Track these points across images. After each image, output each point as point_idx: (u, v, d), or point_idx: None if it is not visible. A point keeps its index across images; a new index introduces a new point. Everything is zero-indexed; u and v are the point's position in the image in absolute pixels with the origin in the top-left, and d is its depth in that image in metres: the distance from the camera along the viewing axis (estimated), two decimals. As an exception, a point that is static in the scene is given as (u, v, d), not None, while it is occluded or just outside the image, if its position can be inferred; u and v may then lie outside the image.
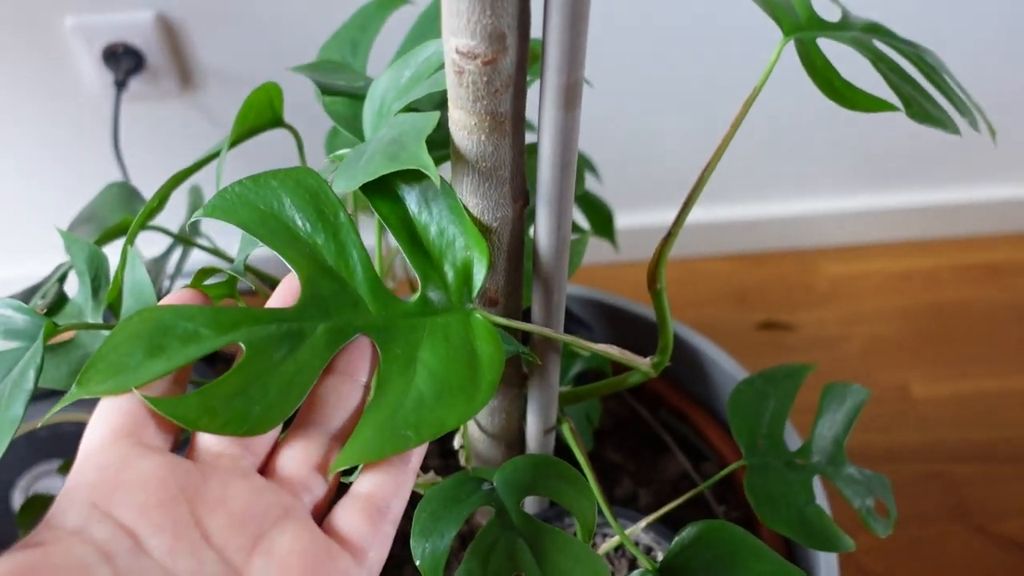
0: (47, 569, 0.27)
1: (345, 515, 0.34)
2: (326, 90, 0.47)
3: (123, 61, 0.94)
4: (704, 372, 0.71)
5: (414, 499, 0.37)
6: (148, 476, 0.31)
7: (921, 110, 0.39)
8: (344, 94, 0.47)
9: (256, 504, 0.32)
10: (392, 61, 0.58)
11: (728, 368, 0.68)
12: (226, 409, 0.31)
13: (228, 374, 0.32)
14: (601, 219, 0.67)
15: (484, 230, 0.37)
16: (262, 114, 0.48)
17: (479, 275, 0.36)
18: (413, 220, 0.36)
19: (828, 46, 0.42)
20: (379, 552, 0.33)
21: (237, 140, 0.49)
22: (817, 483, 0.53)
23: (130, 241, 0.49)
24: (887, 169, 1.19)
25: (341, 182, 0.35)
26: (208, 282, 0.41)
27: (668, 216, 1.21)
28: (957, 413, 1.08)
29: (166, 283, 0.82)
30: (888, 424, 1.07)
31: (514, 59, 0.32)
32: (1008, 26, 1.02)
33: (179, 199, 0.95)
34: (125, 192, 0.59)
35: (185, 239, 0.61)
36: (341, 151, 0.39)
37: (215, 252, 0.65)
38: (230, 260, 0.66)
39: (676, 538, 0.40)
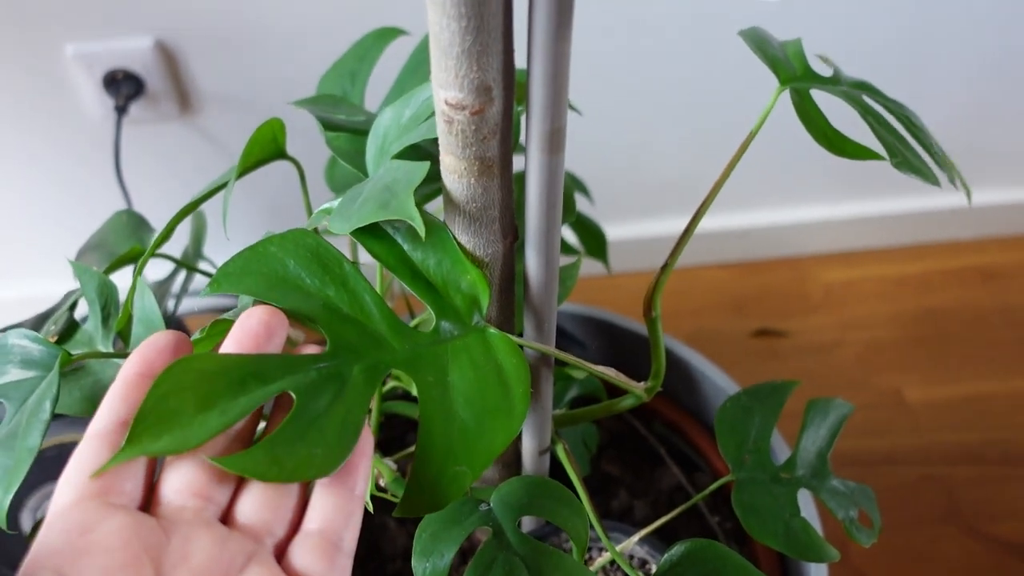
0: None
1: (301, 554, 0.34)
2: (328, 125, 0.49)
3: (123, 87, 0.96)
4: (696, 385, 0.72)
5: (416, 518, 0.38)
6: (111, 539, 0.31)
7: (904, 159, 0.42)
8: (346, 130, 0.49)
9: (220, 554, 0.32)
10: (389, 93, 0.61)
11: (719, 382, 0.70)
12: (291, 457, 0.32)
13: (285, 424, 0.33)
14: (594, 241, 0.68)
15: (476, 264, 0.39)
16: (266, 148, 0.50)
17: (484, 297, 0.38)
18: (409, 257, 0.38)
19: (819, 98, 0.45)
20: None
21: (243, 172, 0.51)
22: (806, 495, 0.55)
23: (139, 272, 0.51)
24: (878, 176, 1.21)
25: (337, 225, 0.37)
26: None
27: (660, 227, 1.23)
28: (951, 416, 1.10)
29: (170, 304, 0.84)
30: (883, 428, 1.09)
31: (500, 108, 0.34)
32: (999, 25, 1.04)
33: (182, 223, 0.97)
34: (133, 221, 0.60)
35: (188, 265, 0.63)
36: (327, 205, 0.41)
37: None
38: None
39: (665, 555, 0.42)
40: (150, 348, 0.35)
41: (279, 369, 0.34)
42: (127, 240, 0.59)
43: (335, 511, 0.35)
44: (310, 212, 0.55)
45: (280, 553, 0.35)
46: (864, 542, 0.48)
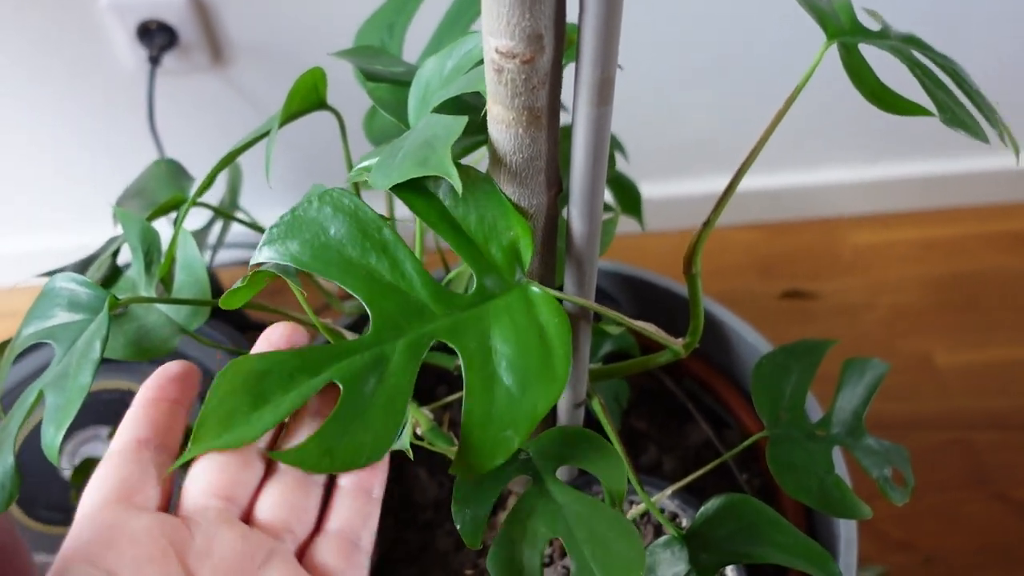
0: None
1: (321, 552, 0.37)
2: (369, 76, 0.49)
3: (157, 37, 0.96)
4: (727, 343, 0.72)
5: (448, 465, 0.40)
6: (139, 534, 0.33)
7: (954, 115, 0.41)
8: (387, 80, 0.49)
9: (242, 550, 0.35)
10: (428, 45, 0.60)
11: (750, 339, 0.70)
12: (341, 448, 0.35)
13: (333, 415, 0.35)
14: (629, 198, 0.68)
15: (521, 215, 0.39)
16: (307, 98, 0.50)
17: (527, 252, 0.38)
18: (451, 213, 0.38)
19: (866, 52, 0.44)
20: None
21: (285, 122, 0.51)
22: (837, 453, 0.55)
23: (181, 219, 0.51)
24: (911, 137, 1.19)
25: (377, 180, 0.37)
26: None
27: (691, 186, 1.22)
28: (978, 381, 1.09)
29: (206, 255, 0.85)
30: (910, 392, 1.09)
31: (551, 57, 0.33)
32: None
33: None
34: (172, 169, 0.61)
35: (225, 213, 0.63)
36: (366, 162, 0.41)
37: (252, 226, 0.67)
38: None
39: (701, 509, 0.42)
40: (163, 376, 0.39)
41: (324, 359, 0.35)
42: (167, 188, 0.60)
43: (353, 513, 0.38)
44: (350, 164, 0.55)
45: (301, 552, 0.37)
46: (897, 500, 0.48)
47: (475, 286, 0.38)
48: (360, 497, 0.39)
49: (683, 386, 0.74)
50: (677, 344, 0.47)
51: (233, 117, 1.05)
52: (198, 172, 1.05)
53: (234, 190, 0.73)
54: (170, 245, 0.52)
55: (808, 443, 0.49)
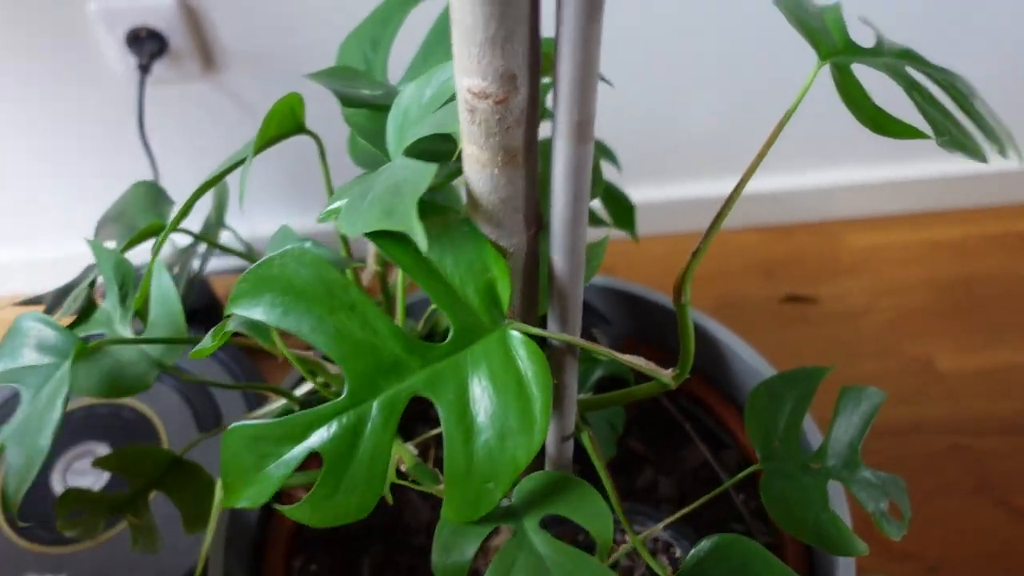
0: None
1: None
2: (347, 101, 0.47)
3: (146, 45, 0.94)
4: (723, 360, 0.71)
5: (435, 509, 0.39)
6: None
7: (952, 138, 0.39)
8: (366, 105, 0.47)
9: None
10: (412, 62, 0.59)
11: (746, 357, 0.68)
12: (331, 508, 0.35)
13: (319, 482, 0.35)
14: (622, 211, 0.67)
15: (499, 255, 0.38)
16: (284, 123, 0.49)
17: (504, 293, 0.37)
18: (426, 257, 0.37)
19: (859, 68, 0.43)
20: None
21: (261, 148, 0.50)
22: (835, 483, 0.54)
23: (156, 253, 0.50)
24: (911, 139, 1.17)
25: (345, 225, 0.36)
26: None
27: (684, 191, 1.21)
28: (982, 385, 1.08)
29: (195, 264, 0.83)
30: (913, 397, 1.07)
31: (526, 96, 0.32)
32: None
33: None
34: (152, 193, 0.59)
35: (206, 239, 0.62)
36: (334, 205, 0.39)
37: (239, 253, 0.66)
38: (252, 258, 0.67)
39: (692, 550, 0.41)
40: None
41: (304, 427, 0.35)
42: (146, 213, 0.58)
43: None
44: (330, 191, 0.54)
45: None
46: (894, 535, 0.47)
47: (452, 333, 0.37)
48: None
49: (680, 406, 0.73)
50: (667, 376, 0.45)
51: (225, 125, 1.04)
52: (189, 182, 1.04)
53: (220, 209, 0.72)
54: (145, 277, 0.51)
55: (803, 476, 0.47)
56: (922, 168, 1.22)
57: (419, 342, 0.36)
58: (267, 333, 0.37)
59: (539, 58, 0.32)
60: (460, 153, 0.37)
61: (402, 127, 0.44)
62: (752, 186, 1.20)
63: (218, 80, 1.00)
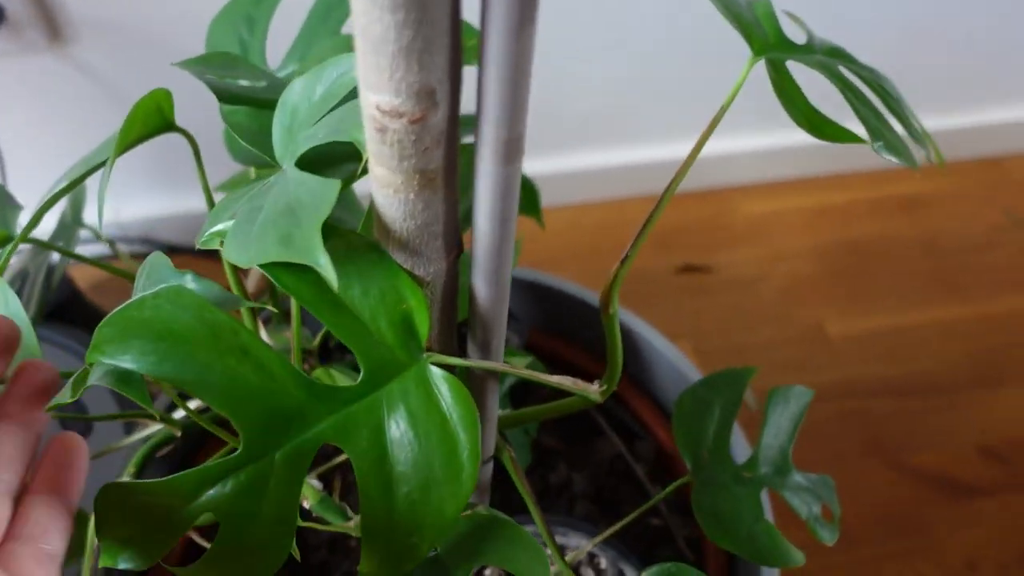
0: None
1: (16, 559, 0.33)
2: (225, 96, 0.41)
3: (-21, 14, 0.84)
4: (636, 351, 0.69)
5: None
6: None
7: (887, 142, 0.37)
8: (245, 100, 0.42)
9: None
10: (293, 46, 0.53)
11: (658, 345, 0.66)
12: (232, 571, 0.31)
13: (217, 542, 0.31)
14: (528, 198, 0.63)
15: (416, 284, 0.33)
16: (150, 122, 0.42)
17: (422, 325, 0.32)
18: (329, 287, 0.32)
19: (792, 67, 0.40)
20: None
21: (123, 151, 0.43)
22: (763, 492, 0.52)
23: (2, 269, 0.43)
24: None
25: (233, 253, 0.31)
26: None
27: (585, 160, 1.17)
28: (871, 349, 1.10)
29: (55, 257, 0.75)
30: (805, 364, 1.09)
31: (445, 113, 0.27)
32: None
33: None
34: (-6, 197, 0.52)
35: (61, 250, 0.54)
36: (218, 227, 0.34)
37: (100, 264, 0.58)
38: (117, 254, 0.60)
39: (631, 585, 0.38)
40: None
41: (194, 487, 0.30)
42: (-11, 221, 0.51)
43: (48, 520, 0.35)
44: (208, 195, 0.48)
45: None
46: (828, 540, 0.46)
47: (363, 372, 0.32)
48: (55, 504, 0.35)
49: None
50: (595, 392, 0.42)
51: (77, 100, 0.94)
52: (35, 168, 0.94)
53: (77, 205, 0.64)
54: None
55: (735, 487, 0.45)
56: (805, 134, 1.22)
57: (324, 385, 0.32)
58: (139, 387, 0.32)
59: (460, 69, 0.27)
60: (365, 164, 0.32)
61: (290, 129, 0.38)
62: (643, 155, 1.18)
63: (67, 53, 0.90)
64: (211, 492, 0.30)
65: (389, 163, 0.28)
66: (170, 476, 0.31)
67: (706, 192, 1.25)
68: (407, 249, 0.32)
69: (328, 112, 0.36)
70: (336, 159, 0.38)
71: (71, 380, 0.33)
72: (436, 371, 0.33)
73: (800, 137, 1.21)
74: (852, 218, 1.24)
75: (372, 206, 0.31)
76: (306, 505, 0.44)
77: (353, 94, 0.37)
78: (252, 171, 0.60)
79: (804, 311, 1.14)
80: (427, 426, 0.32)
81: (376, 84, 0.26)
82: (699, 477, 0.46)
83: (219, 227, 0.34)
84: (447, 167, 0.29)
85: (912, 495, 0.98)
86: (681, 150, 1.19)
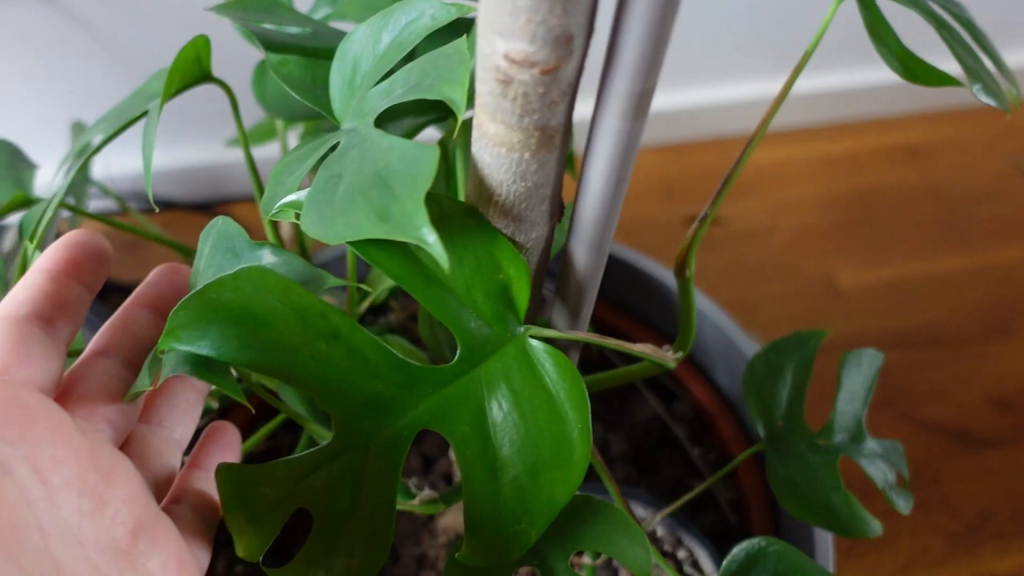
0: None
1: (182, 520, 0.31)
2: (271, 45, 0.38)
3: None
4: (671, 307, 0.66)
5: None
6: (54, 421, 0.26)
7: (985, 85, 0.35)
8: (293, 50, 0.38)
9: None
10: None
11: (697, 303, 0.64)
12: (329, 572, 0.28)
13: (311, 540, 0.28)
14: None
15: (517, 251, 0.30)
16: (188, 73, 0.39)
17: (522, 296, 0.30)
18: (420, 259, 0.29)
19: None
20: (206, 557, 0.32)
21: (167, 100, 0.40)
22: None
23: (34, 242, 0.39)
24: (800, 52, 1.15)
25: (314, 227, 0.27)
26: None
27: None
28: (880, 301, 1.09)
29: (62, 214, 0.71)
30: (815, 317, 1.08)
31: (578, 63, 0.24)
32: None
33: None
34: (5, 154, 0.48)
35: (77, 210, 0.50)
36: (291, 198, 0.30)
37: (113, 222, 0.54)
38: (126, 210, 0.56)
39: (725, 561, 0.36)
40: (77, 248, 0.31)
41: (287, 477, 0.28)
42: (1, 181, 0.47)
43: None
44: (247, 148, 0.44)
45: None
46: (903, 509, 0.44)
47: (460, 350, 0.29)
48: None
49: (626, 357, 0.68)
50: (672, 361, 0.40)
51: (66, 48, 0.88)
52: (29, 121, 0.88)
53: (84, 162, 0.59)
54: (18, 269, 0.41)
55: (810, 456, 0.44)
56: (816, 81, 1.20)
57: (421, 366, 0.29)
58: (223, 374, 0.29)
59: (596, 12, 0.24)
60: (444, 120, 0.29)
61: (352, 82, 0.35)
62: (663, 101, 1.15)
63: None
64: (303, 484, 0.28)
65: (508, 119, 0.25)
66: (266, 463, 0.29)
67: (712, 141, 1.23)
68: (510, 214, 0.29)
69: (399, 63, 0.33)
70: (395, 113, 0.35)
71: (146, 364, 0.30)
72: (537, 345, 0.30)
73: (806, 84, 1.18)
74: (858, 167, 1.22)
75: (472, 167, 0.28)
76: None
77: (429, 42, 0.33)
78: (279, 124, 0.56)
79: (813, 263, 1.12)
80: (532, 405, 0.29)
81: (508, 29, 0.23)
82: (773, 446, 0.44)
83: (292, 198, 0.30)
84: (566, 125, 0.26)
85: (924, 447, 0.97)
86: (680, 99, 1.16)
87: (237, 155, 0.98)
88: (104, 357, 0.32)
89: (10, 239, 0.74)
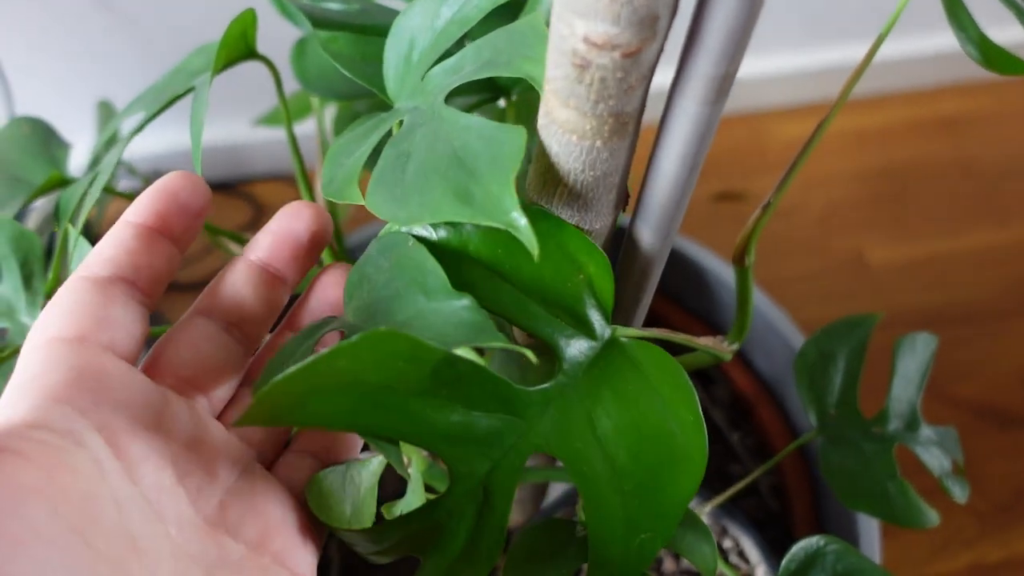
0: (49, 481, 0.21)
1: (291, 472, 0.30)
2: (319, 22, 0.36)
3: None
4: (705, 287, 0.65)
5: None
6: (133, 389, 0.25)
7: None
8: (342, 26, 0.37)
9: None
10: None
11: (727, 279, 0.63)
12: None
13: None
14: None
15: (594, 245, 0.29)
16: (235, 48, 0.38)
17: (606, 293, 0.28)
18: (502, 270, 0.28)
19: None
20: None
21: (215, 74, 0.38)
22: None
23: (72, 220, 0.39)
24: (834, 22, 1.13)
25: (382, 208, 0.26)
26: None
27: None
28: (912, 278, 1.08)
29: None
30: (845, 293, 1.06)
31: (659, 46, 0.23)
32: None
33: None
34: (39, 133, 0.47)
35: (109, 189, 0.49)
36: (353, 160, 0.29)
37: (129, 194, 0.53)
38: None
39: (784, 561, 0.35)
40: (168, 199, 0.29)
41: (397, 534, 0.27)
42: (35, 160, 0.46)
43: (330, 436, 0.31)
44: (289, 125, 0.43)
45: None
46: (959, 497, 0.43)
47: (558, 364, 0.28)
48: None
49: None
50: (728, 352, 0.39)
51: (87, 25, 0.87)
52: (44, 102, 0.87)
53: (111, 142, 0.58)
54: (58, 252, 0.40)
55: (864, 444, 0.42)
56: (844, 52, 1.17)
57: (528, 390, 0.27)
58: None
59: (679, -9, 0.22)
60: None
61: (408, 59, 0.33)
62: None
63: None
64: (417, 534, 0.27)
65: (581, 105, 0.24)
66: (379, 526, 0.27)
67: (739, 116, 1.21)
68: (576, 204, 0.28)
69: (460, 40, 0.32)
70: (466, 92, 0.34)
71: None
72: (630, 343, 0.29)
73: (836, 56, 1.16)
74: (890, 141, 1.20)
75: (537, 154, 0.27)
76: (411, 472, 0.41)
77: (492, 19, 0.32)
78: (315, 102, 0.55)
79: (843, 239, 1.11)
80: (640, 407, 0.28)
81: (590, 9, 0.21)
82: (826, 434, 0.43)
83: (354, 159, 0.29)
84: (640, 110, 0.25)
85: (957, 425, 0.96)
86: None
87: (258, 134, 0.97)
88: (203, 318, 0.30)
89: (33, 221, 0.73)
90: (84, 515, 0.21)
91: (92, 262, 0.27)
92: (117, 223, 0.29)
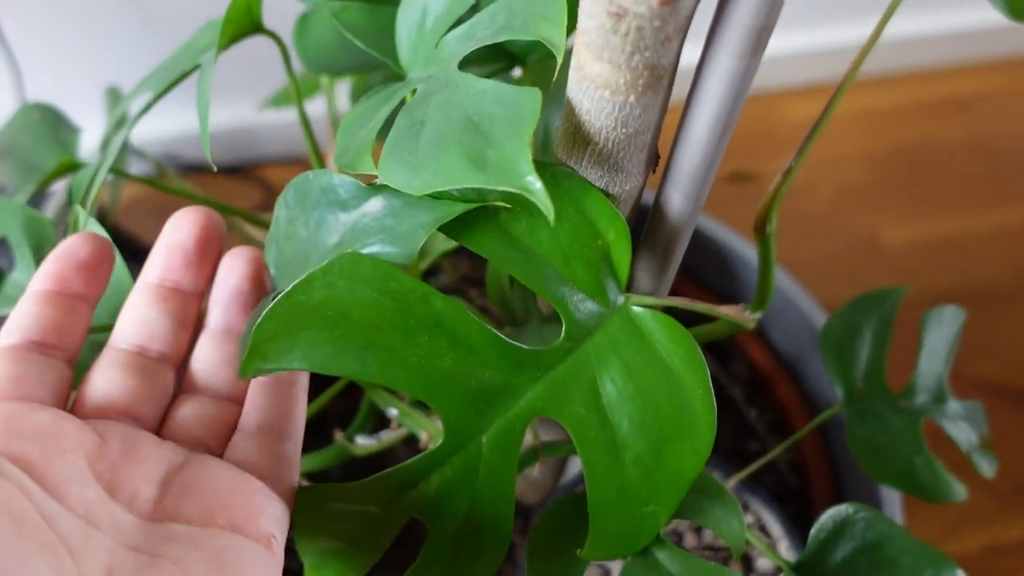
0: None
1: (240, 451, 0.30)
2: (330, -10, 0.36)
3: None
4: (721, 260, 0.65)
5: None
6: (45, 426, 0.27)
7: None
8: (358, -4, 0.36)
9: (159, 455, 0.28)
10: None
11: (744, 254, 0.62)
12: None
13: (427, 551, 0.27)
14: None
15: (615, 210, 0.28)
16: (241, 23, 0.37)
17: (623, 260, 0.28)
18: (515, 233, 0.27)
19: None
20: (290, 475, 0.30)
21: (219, 52, 0.38)
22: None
23: (84, 204, 0.38)
24: (844, 0, 1.12)
25: (395, 176, 0.25)
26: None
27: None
28: (925, 258, 1.07)
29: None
30: (860, 275, 1.05)
31: (696, -6, 0.22)
32: None
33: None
34: (49, 118, 0.46)
35: (121, 172, 0.49)
36: (363, 137, 0.28)
37: (151, 182, 0.53)
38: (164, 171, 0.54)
39: (813, 530, 0.35)
40: (66, 262, 0.31)
41: (395, 491, 0.27)
42: (46, 146, 0.45)
43: (273, 408, 0.31)
44: (300, 101, 0.42)
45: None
46: (987, 472, 0.42)
47: (564, 327, 0.28)
48: (281, 389, 0.31)
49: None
50: (752, 321, 0.38)
51: (94, 9, 0.86)
52: (52, 87, 0.86)
53: (120, 125, 0.58)
54: (70, 233, 0.39)
55: (892, 417, 0.42)
56: (854, 31, 1.16)
57: (528, 349, 0.27)
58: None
59: (718, -65, 0.22)
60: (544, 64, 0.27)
61: (422, 27, 0.33)
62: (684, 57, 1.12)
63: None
64: (413, 493, 0.27)
65: (615, 58, 0.23)
66: (366, 479, 0.27)
67: (749, 95, 1.19)
68: (606, 164, 0.27)
69: (475, 5, 0.31)
70: (482, 61, 0.33)
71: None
72: (643, 312, 0.28)
73: (846, 35, 1.15)
74: (902, 121, 1.18)
75: (566, 112, 0.26)
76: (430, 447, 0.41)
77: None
78: (324, 80, 0.54)
79: (856, 220, 1.10)
80: (647, 377, 0.27)
81: (626, -45, 0.20)
82: (853, 408, 0.42)
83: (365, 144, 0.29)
84: (674, 63, 0.24)
85: (974, 406, 0.95)
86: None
87: (269, 117, 0.96)
88: (115, 349, 0.32)
89: (52, 207, 0.73)
90: (14, 522, 0.22)
91: (3, 333, 0.30)
92: (24, 295, 0.31)
